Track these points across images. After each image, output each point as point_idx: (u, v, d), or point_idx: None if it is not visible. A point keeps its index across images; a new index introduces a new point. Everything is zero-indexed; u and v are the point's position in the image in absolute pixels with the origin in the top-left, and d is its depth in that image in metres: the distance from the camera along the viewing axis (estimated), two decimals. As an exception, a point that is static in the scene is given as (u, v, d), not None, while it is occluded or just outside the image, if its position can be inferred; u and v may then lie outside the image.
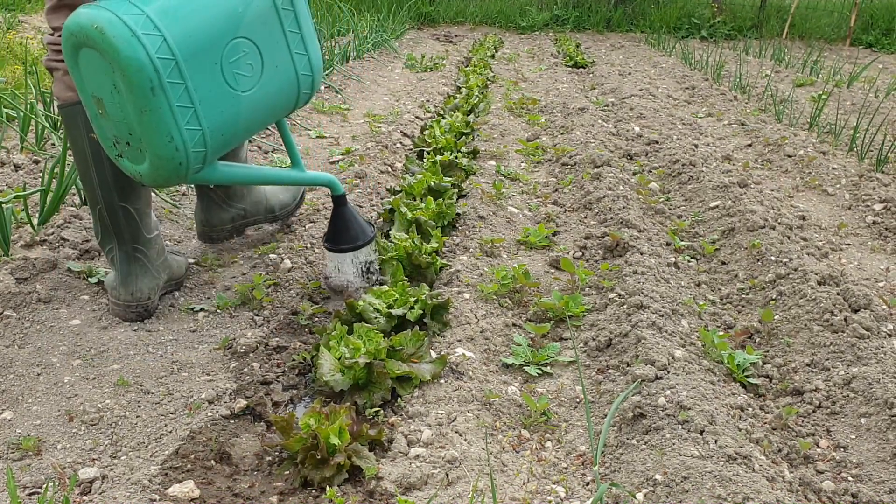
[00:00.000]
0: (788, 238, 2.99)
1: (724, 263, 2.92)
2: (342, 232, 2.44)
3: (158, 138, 1.84)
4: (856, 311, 2.35)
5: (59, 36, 2.03)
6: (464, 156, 3.88)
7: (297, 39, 2.06)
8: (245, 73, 1.95)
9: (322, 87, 5.23)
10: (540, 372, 2.13)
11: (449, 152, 3.88)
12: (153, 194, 2.87)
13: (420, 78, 6.77)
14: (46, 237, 2.63)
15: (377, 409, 1.90)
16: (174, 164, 1.89)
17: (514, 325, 2.38)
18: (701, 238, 3.15)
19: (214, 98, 1.90)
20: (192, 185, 2.55)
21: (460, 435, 1.76)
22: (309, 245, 2.77)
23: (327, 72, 5.60)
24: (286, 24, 2.03)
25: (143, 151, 1.88)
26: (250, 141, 3.86)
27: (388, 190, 3.45)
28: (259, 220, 2.85)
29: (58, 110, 2.23)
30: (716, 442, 1.68)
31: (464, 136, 4.38)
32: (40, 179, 3.09)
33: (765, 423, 1.93)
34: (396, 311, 2.23)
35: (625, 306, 2.34)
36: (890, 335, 2.26)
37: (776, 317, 2.40)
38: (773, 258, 2.75)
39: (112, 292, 2.28)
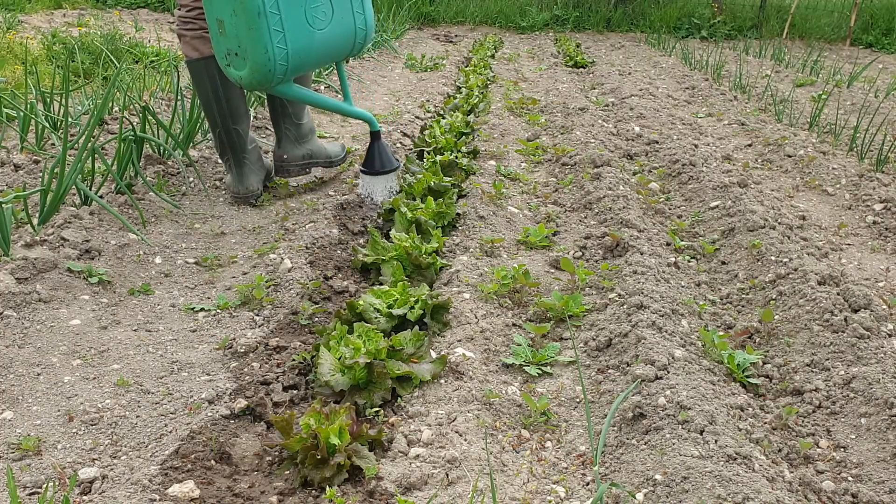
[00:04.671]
0: (788, 238, 2.99)
1: (724, 263, 2.92)
2: (374, 160, 3.22)
3: (258, 49, 2.68)
4: (856, 311, 2.35)
5: (188, 11, 3.02)
6: (464, 156, 3.88)
7: (358, 2, 2.95)
8: (320, 18, 2.82)
9: (322, 88, 5.23)
10: (540, 372, 2.13)
11: (449, 152, 3.88)
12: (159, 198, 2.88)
13: (420, 78, 6.77)
14: (46, 237, 2.63)
15: (377, 409, 1.90)
16: (265, 70, 2.72)
17: (514, 325, 2.38)
18: (701, 238, 3.15)
19: (297, 30, 2.75)
20: (273, 126, 3.41)
21: (460, 435, 1.76)
22: (309, 245, 2.77)
23: (327, 72, 5.62)
24: None
25: (246, 60, 2.72)
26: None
27: (388, 190, 3.45)
28: (320, 163, 3.52)
29: (186, 66, 3.18)
30: (716, 442, 1.68)
31: (464, 136, 4.37)
32: (40, 179, 3.09)
33: (765, 423, 1.93)
34: (397, 311, 2.23)
35: (625, 306, 2.33)
36: (890, 335, 2.26)
37: (776, 317, 2.40)
38: (773, 258, 2.75)
39: (231, 188, 3.26)
